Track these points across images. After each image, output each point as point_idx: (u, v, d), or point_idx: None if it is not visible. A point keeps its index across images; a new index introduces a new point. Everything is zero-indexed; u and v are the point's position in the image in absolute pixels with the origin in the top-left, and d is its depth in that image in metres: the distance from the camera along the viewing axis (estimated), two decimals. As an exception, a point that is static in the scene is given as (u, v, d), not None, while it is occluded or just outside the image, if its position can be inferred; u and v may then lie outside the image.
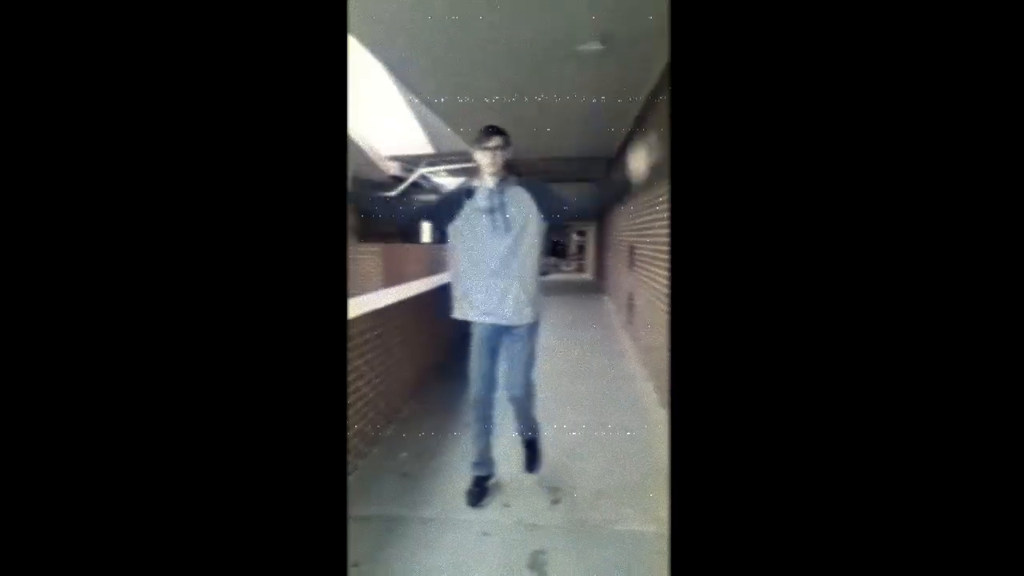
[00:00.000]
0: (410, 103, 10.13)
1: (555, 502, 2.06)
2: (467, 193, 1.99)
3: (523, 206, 1.94)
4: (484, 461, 2.11)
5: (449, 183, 15.01)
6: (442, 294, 4.15)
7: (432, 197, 16.22)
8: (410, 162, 12.28)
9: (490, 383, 2.03)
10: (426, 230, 16.20)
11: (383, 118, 11.30)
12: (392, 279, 9.98)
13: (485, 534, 1.85)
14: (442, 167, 12.07)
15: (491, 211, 1.93)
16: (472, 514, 1.97)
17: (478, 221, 1.95)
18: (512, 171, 2.01)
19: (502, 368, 2.04)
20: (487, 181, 1.97)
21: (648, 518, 1.94)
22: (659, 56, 3.03)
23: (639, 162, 1.88)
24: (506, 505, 2.04)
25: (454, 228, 1.99)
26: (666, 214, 3.12)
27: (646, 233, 3.90)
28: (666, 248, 3.10)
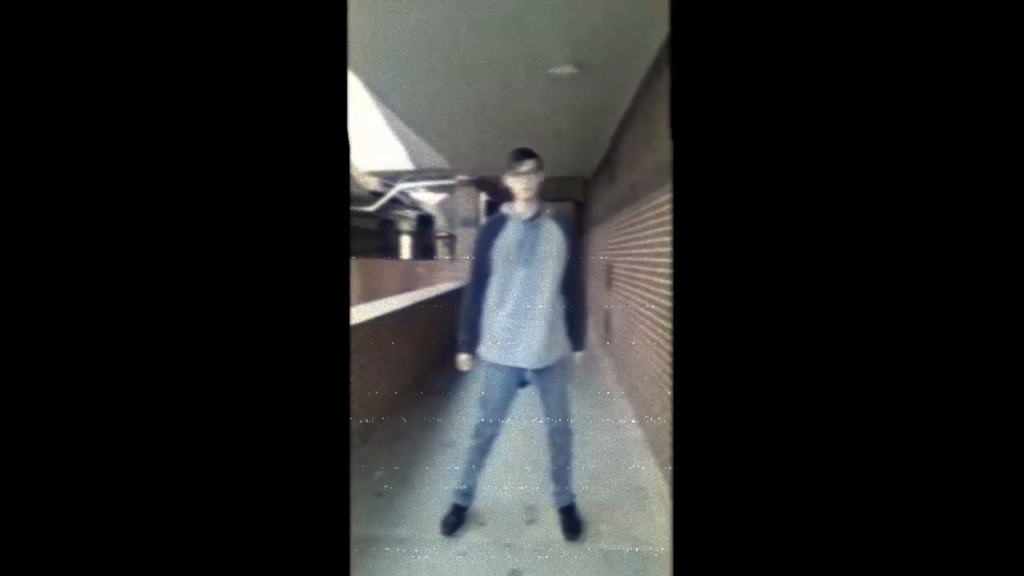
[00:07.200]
0: (388, 119, 10.15)
1: (530, 521, 2.07)
2: (499, 223, 1.89)
3: (554, 243, 1.86)
4: (469, 492, 2.06)
5: (428, 199, 15.02)
6: (418, 311, 4.16)
7: (410, 213, 16.06)
8: (389, 178, 12.27)
9: (497, 422, 1.96)
10: (405, 245, 16.11)
11: (361, 133, 11.30)
12: (368, 295, 9.88)
13: (461, 554, 1.84)
14: (421, 183, 12.09)
15: (527, 246, 1.84)
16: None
17: (510, 257, 1.85)
18: (544, 199, 1.92)
19: (540, 406, 1.98)
20: (519, 208, 1.88)
21: (623, 536, 1.96)
22: (631, 80, 3.13)
23: None
24: (482, 524, 2.04)
25: (488, 260, 1.89)
26: (640, 233, 3.19)
27: (622, 252, 3.98)
28: (641, 267, 3.17)
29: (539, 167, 1.86)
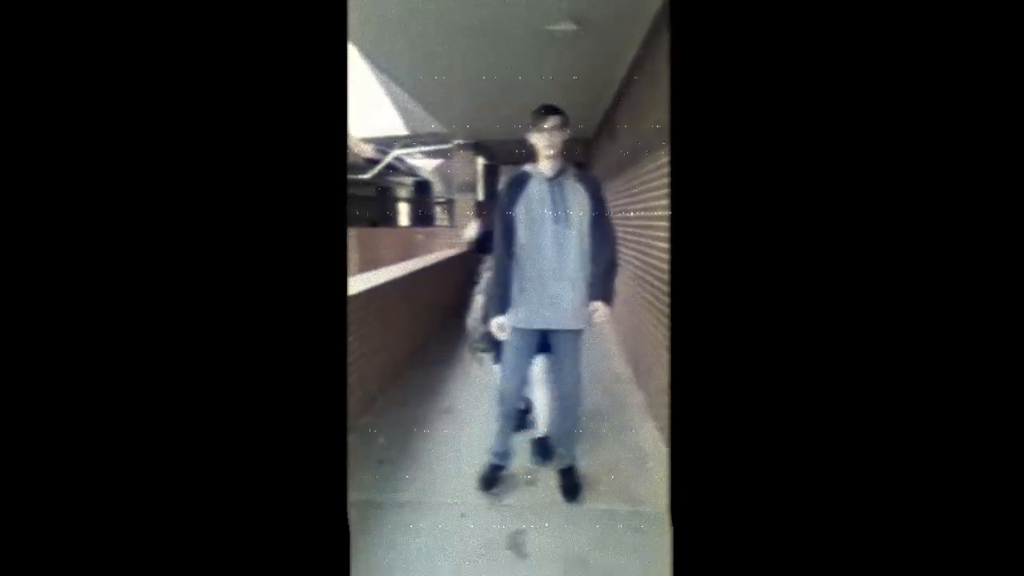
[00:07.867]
0: (383, 84, 9.90)
1: (530, 483, 2.10)
2: (522, 180, 1.83)
3: (581, 201, 1.81)
4: (505, 452, 2.06)
5: (424, 165, 14.79)
6: (418, 279, 4.14)
7: (407, 179, 15.87)
8: (384, 144, 12.06)
9: (523, 383, 1.96)
10: (403, 213, 15.96)
11: (355, 99, 11.04)
12: (368, 264, 9.86)
13: (463, 516, 1.88)
14: (417, 148, 11.89)
15: (552, 205, 1.79)
16: (450, 496, 2.00)
17: (535, 215, 1.79)
18: (569, 158, 1.87)
19: (553, 366, 1.97)
20: (543, 167, 1.82)
21: (621, 496, 2.00)
22: (632, 38, 3.01)
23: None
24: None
25: (513, 219, 1.82)
26: (641, 195, 3.14)
27: (623, 215, 3.92)
28: (644, 231, 3.12)
29: (564, 124, 1.80)
